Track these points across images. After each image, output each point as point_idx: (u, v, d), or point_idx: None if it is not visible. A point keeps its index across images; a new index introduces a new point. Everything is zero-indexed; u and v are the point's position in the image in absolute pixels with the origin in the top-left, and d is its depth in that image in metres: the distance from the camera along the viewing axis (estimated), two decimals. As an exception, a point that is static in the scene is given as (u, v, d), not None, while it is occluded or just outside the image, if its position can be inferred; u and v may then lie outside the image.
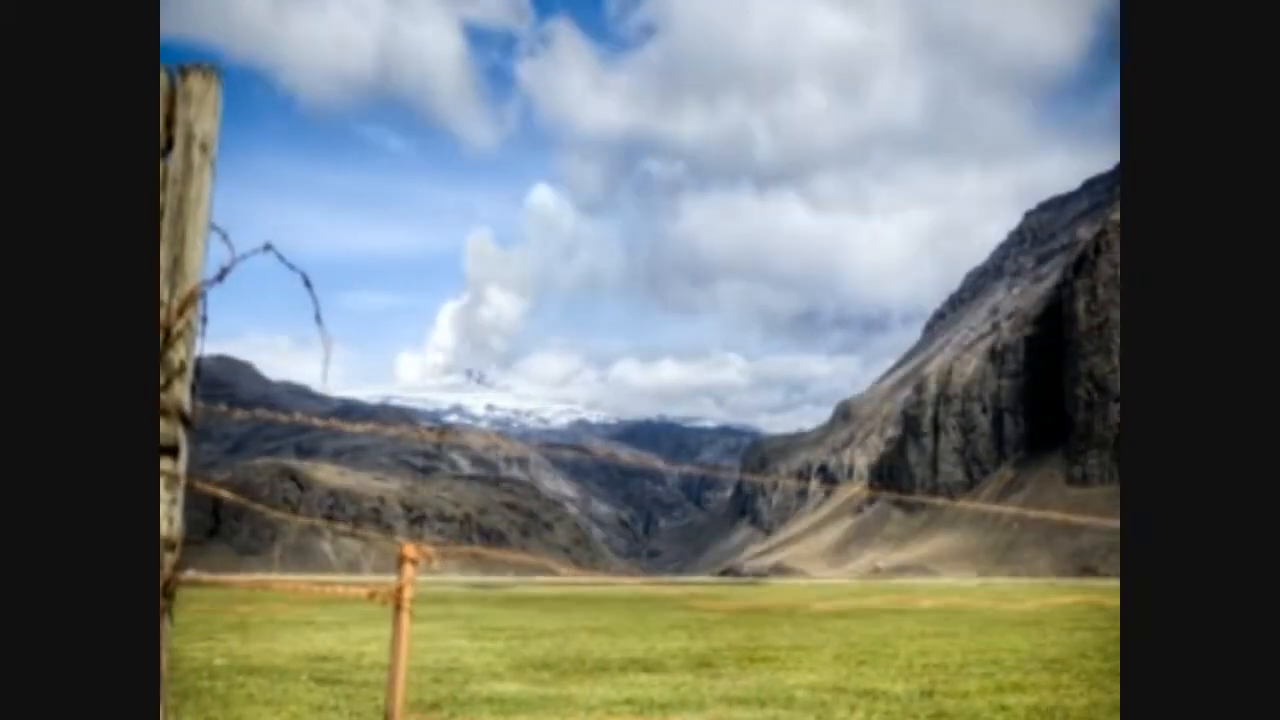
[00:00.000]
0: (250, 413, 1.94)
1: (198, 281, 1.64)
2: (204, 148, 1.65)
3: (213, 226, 1.65)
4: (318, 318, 1.68)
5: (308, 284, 1.71)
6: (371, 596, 1.75)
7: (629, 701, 8.07)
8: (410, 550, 1.64)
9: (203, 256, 1.69)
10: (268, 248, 1.69)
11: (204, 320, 1.67)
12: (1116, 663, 11.16)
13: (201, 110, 1.68)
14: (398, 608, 1.64)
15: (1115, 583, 63.83)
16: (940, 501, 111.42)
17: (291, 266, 1.71)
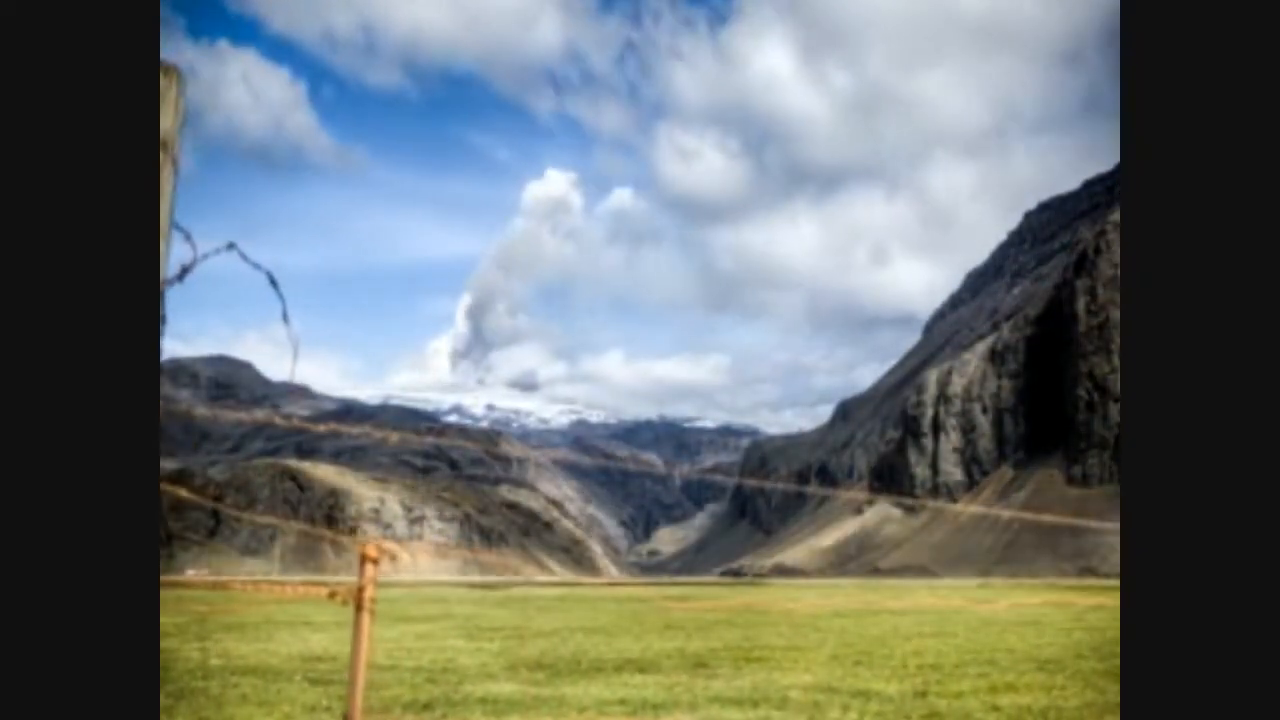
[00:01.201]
0: (212, 413, 1.93)
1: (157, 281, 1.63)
2: (165, 146, 1.64)
3: (175, 226, 1.65)
4: (285, 316, 1.67)
5: (273, 282, 1.70)
6: (332, 596, 1.74)
7: (622, 702, 8.06)
8: (371, 549, 1.63)
9: (162, 255, 1.68)
10: (231, 246, 1.68)
11: (163, 320, 1.66)
12: (1112, 663, 11.15)
13: (162, 108, 1.67)
14: (358, 607, 1.63)
15: (1115, 583, 63.88)
16: (940, 504, 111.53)
17: (256, 266, 1.70)
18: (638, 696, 8.39)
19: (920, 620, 20.89)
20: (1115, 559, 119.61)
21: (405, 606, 28.81)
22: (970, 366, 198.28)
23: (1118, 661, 11.19)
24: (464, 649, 13.56)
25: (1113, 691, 8.72)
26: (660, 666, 10.93)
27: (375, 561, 1.61)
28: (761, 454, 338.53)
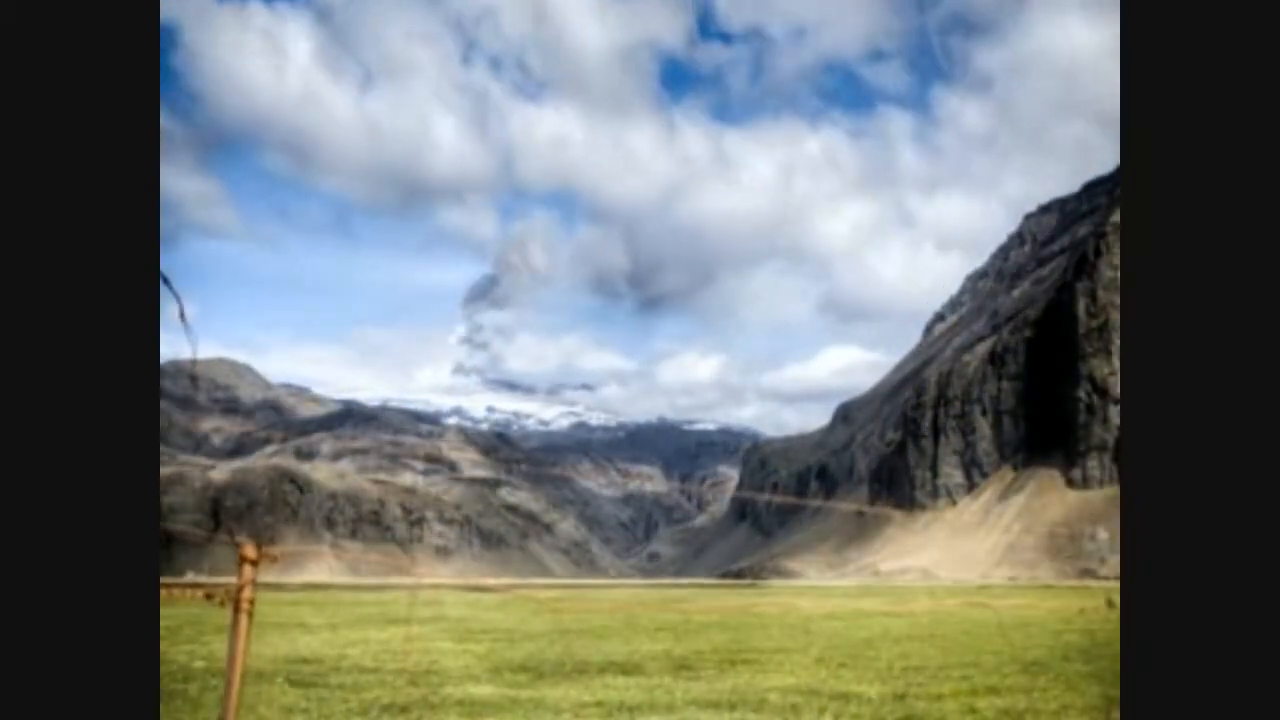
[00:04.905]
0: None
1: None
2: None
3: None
4: (181, 315, 1.67)
5: (166, 282, 1.70)
6: (209, 598, 1.74)
7: (599, 704, 8.05)
8: (249, 551, 1.62)
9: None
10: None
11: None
12: (1098, 665, 11.14)
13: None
14: (236, 609, 1.62)
15: (1114, 584, 63.71)
16: (940, 505, 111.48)
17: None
18: (616, 699, 8.39)
19: (913, 623, 20.86)
20: (1115, 561, 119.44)
21: (400, 609, 28.79)
22: (970, 369, 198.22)
23: (1104, 664, 11.19)
24: (450, 651, 13.55)
25: (1094, 694, 8.70)
26: (644, 669, 10.92)
27: (254, 563, 1.60)
28: (761, 456, 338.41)
